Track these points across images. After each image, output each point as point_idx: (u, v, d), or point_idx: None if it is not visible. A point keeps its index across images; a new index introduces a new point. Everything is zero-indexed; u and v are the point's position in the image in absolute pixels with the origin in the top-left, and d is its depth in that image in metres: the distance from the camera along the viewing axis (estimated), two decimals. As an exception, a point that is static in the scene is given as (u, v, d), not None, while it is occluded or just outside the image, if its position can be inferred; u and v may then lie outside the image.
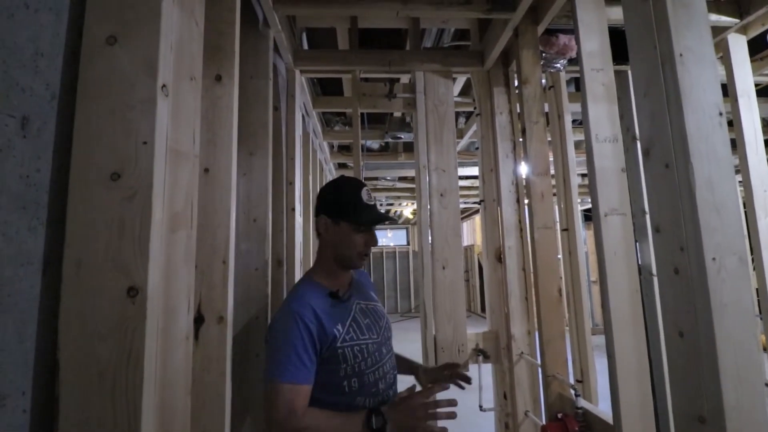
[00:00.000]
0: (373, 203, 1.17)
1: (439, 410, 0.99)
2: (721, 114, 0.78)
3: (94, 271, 0.60)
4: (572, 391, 1.46)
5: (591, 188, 1.07)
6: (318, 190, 3.30)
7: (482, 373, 1.96)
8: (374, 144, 4.26)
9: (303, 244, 2.44)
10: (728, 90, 1.85)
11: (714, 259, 0.71)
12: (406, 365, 1.33)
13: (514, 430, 1.93)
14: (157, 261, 0.63)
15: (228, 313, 1.00)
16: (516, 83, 1.98)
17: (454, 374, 1.23)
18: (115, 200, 0.61)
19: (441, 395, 1.10)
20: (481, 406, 2.05)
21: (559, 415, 1.48)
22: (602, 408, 1.45)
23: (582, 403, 1.40)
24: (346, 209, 1.14)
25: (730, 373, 0.69)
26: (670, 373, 0.79)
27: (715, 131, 0.76)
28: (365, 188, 1.17)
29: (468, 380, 1.24)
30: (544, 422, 1.62)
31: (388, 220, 1.18)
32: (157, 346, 0.64)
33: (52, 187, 0.61)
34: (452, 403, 1.01)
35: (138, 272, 0.61)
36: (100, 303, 0.59)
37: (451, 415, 1.00)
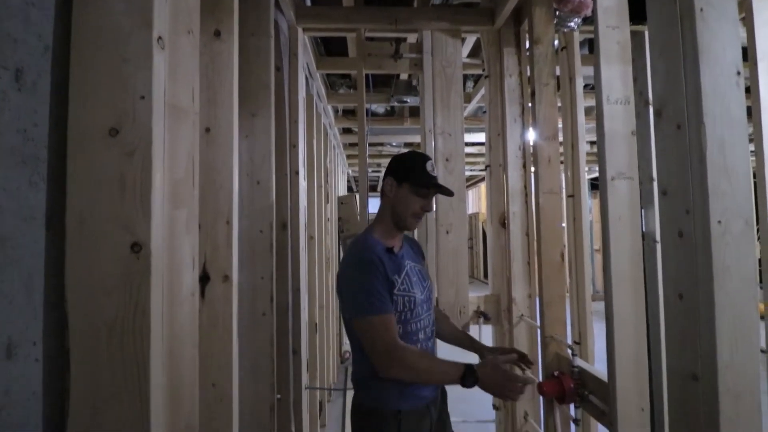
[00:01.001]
0: (435, 175, 1.33)
1: (522, 376, 1.19)
2: (738, 73, 0.75)
3: (97, 227, 0.60)
4: (569, 351, 1.49)
5: (599, 151, 1.05)
6: (322, 154, 3.28)
7: (483, 335, 2.01)
8: (380, 108, 4.18)
9: (307, 209, 2.45)
10: (748, 53, 1.77)
11: (720, 222, 0.70)
12: (472, 344, 1.48)
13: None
14: (159, 218, 0.64)
15: (233, 272, 1.02)
16: (527, 44, 1.91)
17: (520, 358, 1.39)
18: (114, 156, 0.61)
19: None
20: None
21: (556, 373, 1.51)
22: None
23: (578, 362, 1.43)
24: (409, 174, 1.31)
25: (727, 333, 0.70)
26: (667, 334, 0.80)
27: (731, 91, 0.73)
28: (430, 161, 1.34)
29: (529, 364, 1.39)
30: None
31: (444, 190, 1.33)
32: (163, 301, 0.66)
33: (50, 143, 0.61)
34: (531, 377, 1.23)
35: (141, 228, 0.61)
36: (105, 258, 0.60)
37: (531, 381, 1.21)
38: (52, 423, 0.58)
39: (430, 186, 1.31)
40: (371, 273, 1.22)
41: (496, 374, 1.16)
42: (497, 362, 1.20)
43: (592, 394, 1.37)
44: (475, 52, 2.73)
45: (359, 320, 1.20)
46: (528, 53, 1.83)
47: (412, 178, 1.31)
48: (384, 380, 1.23)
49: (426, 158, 1.35)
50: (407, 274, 1.32)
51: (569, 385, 1.42)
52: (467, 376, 1.15)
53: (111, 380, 0.59)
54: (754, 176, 1.68)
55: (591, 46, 2.69)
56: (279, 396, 1.61)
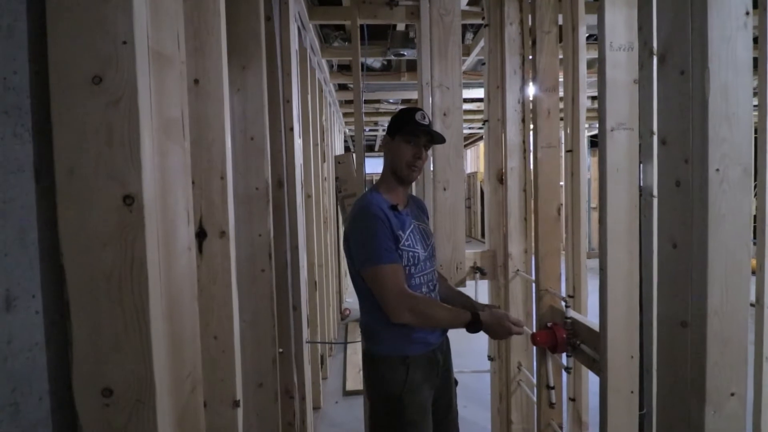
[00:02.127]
0: (425, 123, 1.36)
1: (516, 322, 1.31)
2: (747, 13, 0.72)
3: (87, 179, 0.59)
4: (563, 303, 1.52)
5: (600, 100, 1.03)
6: (317, 111, 3.20)
7: (479, 290, 2.05)
8: (376, 63, 4.04)
9: (303, 167, 2.43)
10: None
11: (718, 170, 0.70)
12: (467, 304, 1.55)
13: (506, 339, 2.06)
14: (150, 170, 0.62)
15: (230, 228, 1.02)
16: (529, -10, 1.82)
17: None
18: (100, 106, 0.59)
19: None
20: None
21: (549, 325, 1.56)
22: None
23: (571, 313, 1.47)
24: (399, 126, 1.36)
25: (718, 280, 0.71)
26: (659, 283, 0.81)
27: (738, 33, 0.70)
28: (420, 112, 1.37)
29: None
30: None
31: (434, 136, 1.37)
32: (159, 254, 0.66)
33: (33, 92, 0.59)
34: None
35: (132, 180, 0.60)
36: (98, 211, 0.59)
37: (521, 332, 1.33)
38: (58, 373, 0.60)
39: (418, 132, 1.34)
40: (378, 226, 1.28)
41: (494, 317, 1.29)
42: (501, 313, 1.34)
43: (583, 344, 1.41)
44: (475, 0, 2.60)
45: (369, 270, 1.26)
46: (530, 1, 1.75)
47: (401, 128, 1.35)
48: (392, 328, 1.30)
49: (416, 109, 1.39)
50: (412, 231, 1.37)
51: (562, 335, 1.46)
52: (473, 323, 1.26)
53: (112, 331, 0.60)
54: (756, 132, 1.65)
55: (596, -7, 2.56)
56: (281, 349, 1.66)
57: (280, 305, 1.67)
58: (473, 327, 1.26)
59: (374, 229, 1.27)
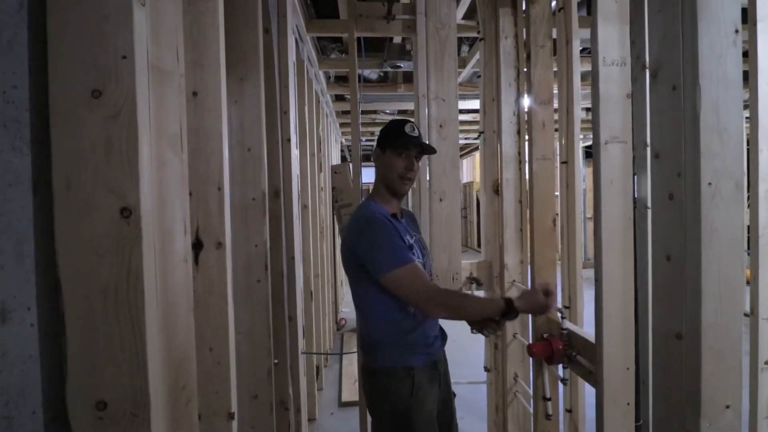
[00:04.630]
0: (415, 135, 1.35)
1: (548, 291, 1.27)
2: (737, 31, 0.74)
3: (85, 192, 0.59)
4: (558, 314, 1.53)
5: (593, 114, 1.04)
6: (314, 121, 3.22)
7: (475, 300, 2.04)
8: (372, 74, 4.08)
9: (300, 177, 2.43)
10: (748, 13, 1.72)
11: (710, 184, 0.71)
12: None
13: (502, 350, 2.06)
14: (148, 182, 0.63)
15: (226, 239, 1.02)
16: (524, 5, 1.85)
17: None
18: (99, 119, 0.59)
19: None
20: (472, 329, 2.16)
21: (545, 336, 1.56)
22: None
23: (567, 324, 1.47)
24: (389, 138, 1.35)
25: (712, 293, 0.72)
26: (654, 295, 0.82)
27: (728, 50, 0.72)
28: (410, 123, 1.37)
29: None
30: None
31: (421, 146, 1.36)
32: (156, 266, 0.66)
33: (32, 105, 0.59)
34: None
35: (130, 193, 0.60)
36: (95, 223, 0.59)
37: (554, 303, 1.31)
38: (51, 386, 0.59)
39: (409, 145, 1.33)
40: (387, 230, 1.26)
41: (528, 302, 1.27)
42: (523, 292, 1.34)
43: (579, 355, 1.41)
44: (470, 14, 2.65)
45: (389, 276, 1.23)
46: (524, 14, 1.78)
47: (391, 141, 1.35)
48: (395, 339, 1.29)
49: (405, 122, 1.38)
50: (415, 240, 1.38)
51: (558, 347, 1.46)
52: (507, 312, 1.23)
53: (107, 344, 0.60)
54: (748, 143, 1.67)
55: (589, 6, 2.61)
56: (276, 361, 1.65)
57: (276, 316, 1.66)
58: (508, 316, 1.24)
59: (384, 234, 1.26)
